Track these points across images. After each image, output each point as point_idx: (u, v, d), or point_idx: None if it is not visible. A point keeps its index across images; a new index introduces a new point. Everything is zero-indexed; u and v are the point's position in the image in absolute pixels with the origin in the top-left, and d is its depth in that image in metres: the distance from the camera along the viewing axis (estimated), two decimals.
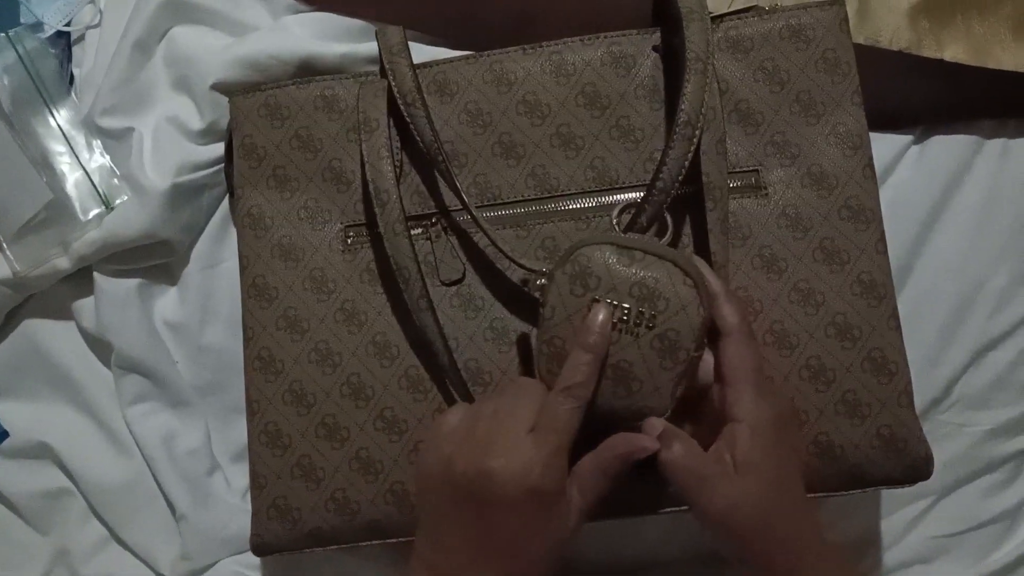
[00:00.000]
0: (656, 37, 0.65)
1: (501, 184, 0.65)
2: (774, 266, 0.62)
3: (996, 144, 0.71)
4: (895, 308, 0.62)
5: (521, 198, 0.64)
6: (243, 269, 0.67)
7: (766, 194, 0.63)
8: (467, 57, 0.66)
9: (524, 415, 0.52)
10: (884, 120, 0.70)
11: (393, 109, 0.63)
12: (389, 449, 0.63)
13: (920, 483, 0.64)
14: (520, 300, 0.64)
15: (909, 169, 0.71)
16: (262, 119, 0.67)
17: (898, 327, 0.62)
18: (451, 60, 0.66)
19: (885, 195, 0.70)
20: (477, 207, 0.64)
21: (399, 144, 0.65)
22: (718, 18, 0.65)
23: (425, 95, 0.63)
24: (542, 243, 0.64)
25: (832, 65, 0.64)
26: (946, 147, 0.71)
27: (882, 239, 0.63)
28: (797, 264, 0.62)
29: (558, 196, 0.64)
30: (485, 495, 0.51)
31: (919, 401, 0.65)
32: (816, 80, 0.64)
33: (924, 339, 0.71)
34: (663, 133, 0.64)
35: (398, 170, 0.65)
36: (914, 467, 0.62)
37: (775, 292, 0.62)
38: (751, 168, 0.64)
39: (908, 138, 0.71)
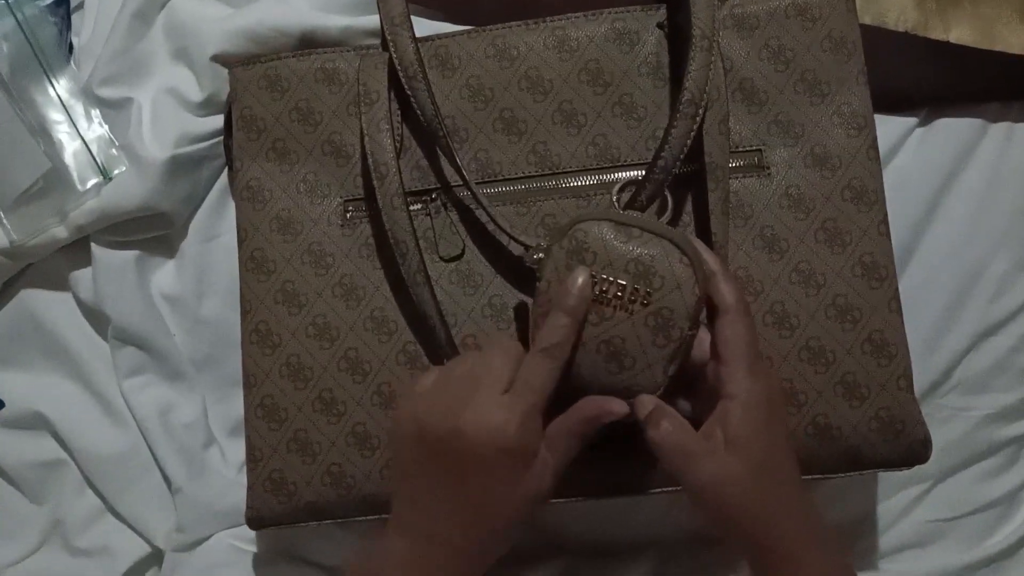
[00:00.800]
0: (661, 14, 0.65)
1: (502, 160, 0.64)
2: (775, 246, 0.62)
3: (1001, 128, 0.71)
4: (896, 290, 0.62)
5: (522, 175, 0.64)
6: (241, 241, 0.67)
7: (769, 174, 0.63)
8: (469, 31, 0.66)
9: (500, 374, 0.52)
10: (889, 102, 0.70)
11: (394, 82, 0.63)
12: (386, 424, 0.63)
13: (917, 467, 0.64)
14: (519, 277, 0.63)
15: (913, 151, 0.71)
16: (262, 91, 0.66)
17: (899, 309, 0.62)
18: (453, 34, 0.66)
19: (888, 177, 0.69)
20: (477, 183, 0.63)
21: (399, 118, 0.65)
22: None
23: (427, 69, 0.63)
24: (542, 220, 0.64)
25: (838, 44, 0.64)
26: (950, 130, 0.71)
27: (884, 221, 0.63)
28: (799, 245, 0.62)
29: (559, 173, 0.64)
30: (458, 454, 0.51)
31: (918, 384, 0.65)
32: (821, 59, 0.64)
33: (925, 323, 0.71)
34: (666, 111, 0.64)
35: (398, 144, 0.64)
36: (912, 450, 0.62)
37: (776, 273, 0.62)
38: (754, 148, 0.63)
39: (913, 120, 0.71)
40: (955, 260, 0.71)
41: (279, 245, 0.65)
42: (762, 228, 0.63)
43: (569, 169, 0.64)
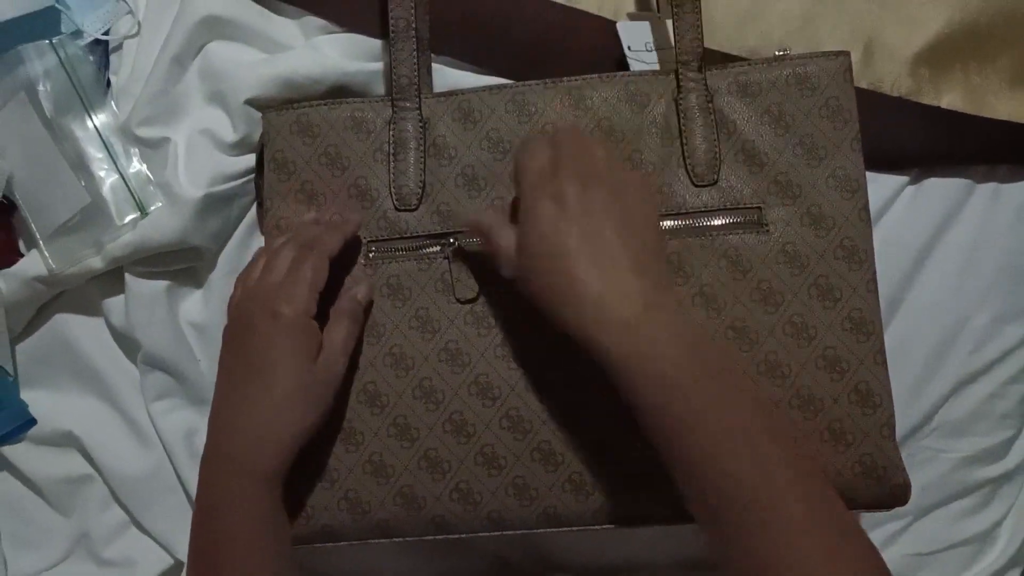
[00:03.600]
0: (671, 80, 0.69)
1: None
2: (771, 299, 0.66)
3: (987, 188, 0.75)
4: (882, 344, 0.66)
5: None
6: None
7: (767, 231, 0.67)
8: (491, 88, 0.70)
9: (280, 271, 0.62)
10: (882, 161, 0.73)
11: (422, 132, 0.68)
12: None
13: None
14: (530, 319, 0.67)
15: (903, 209, 0.75)
16: (294, 135, 0.70)
17: (884, 362, 0.66)
18: (476, 89, 0.70)
19: (879, 232, 0.74)
20: None
21: (422, 165, 0.69)
22: (731, 60, 0.69)
23: (451, 120, 0.68)
24: None
25: (835, 112, 0.67)
26: (939, 189, 0.75)
27: (873, 279, 0.66)
28: (793, 299, 0.66)
29: None
30: (249, 332, 0.61)
31: (902, 426, 0.69)
32: (819, 126, 0.67)
33: (909, 370, 0.75)
34: (673, 167, 0.68)
35: (421, 190, 0.68)
36: (892, 494, 0.66)
37: (770, 324, 0.66)
38: (754, 205, 0.67)
39: (904, 179, 0.74)
40: (940, 312, 0.75)
41: None
42: (759, 282, 0.66)
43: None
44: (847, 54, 0.68)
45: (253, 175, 0.75)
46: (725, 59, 0.72)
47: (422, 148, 0.69)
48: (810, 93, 0.68)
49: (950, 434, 0.76)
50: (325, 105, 0.71)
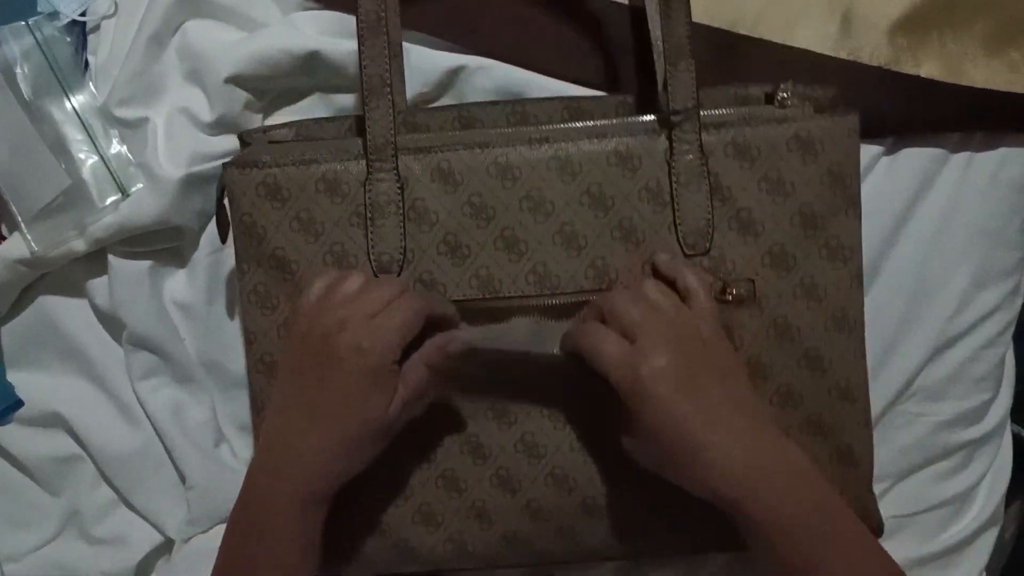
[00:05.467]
0: (663, 140, 0.65)
1: (503, 278, 0.66)
2: (759, 371, 0.65)
3: (961, 157, 0.75)
4: (868, 408, 0.68)
5: (521, 294, 0.66)
6: (249, 344, 0.69)
7: (759, 305, 0.65)
8: (471, 146, 0.65)
9: (376, 303, 0.59)
10: (860, 130, 0.74)
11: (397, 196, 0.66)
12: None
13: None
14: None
15: (880, 177, 0.75)
16: (260, 199, 0.66)
17: (868, 424, 0.68)
18: (454, 146, 0.65)
19: None
20: (480, 299, 0.66)
21: (402, 230, 0.66)
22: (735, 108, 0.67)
23: (430, 182, 0.65)
24: None
25: (836, 179, 0.65)
26: (915, 158, 0.75)
27: (861, 346, 0.67)
28: (782, 370, 0.66)
29: (558, 294, 0.66)
30: (327, 358, 0.58)
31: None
32: (820, 193, 0.64)
33: (887, 335, 0.76)
34: (664, 235, 0.65)
35: (403, 256, 0.66)
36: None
37: (759, 393, 0.65)
38: (747, 278, 0.65)
39: (880, 149, 0.75)
40: (917, 278, 0.76)
41: None
42: (749, 356, 0.65)
43: (567, 291, 0.65)
44: (856, 114, 0.65)
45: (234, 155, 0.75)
46: (709, 42, 0.72)
47: (401, 212, 0.65)
48: (812, 159, 0.64)
49: (928, 398, 0.77)
50: (293, 165, 0.66)
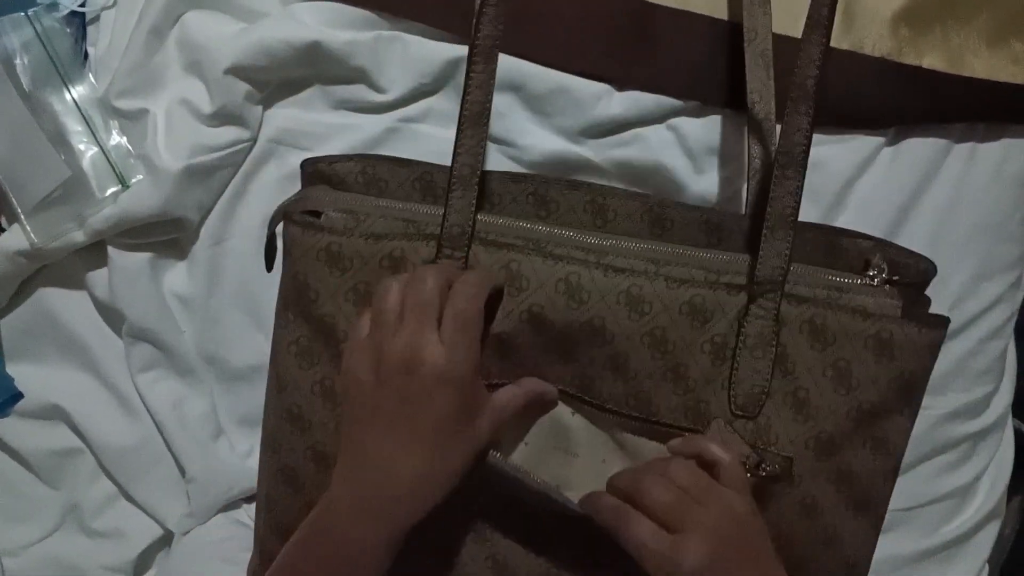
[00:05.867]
0: (741, 298, 0.61)
1: (547, 379, 0.64)
2: (775, 539, 0.61)
3: (964, 148, 0.75)
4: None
5: (565, 389, 0.64)
6: (279, 390, 0.66)
7: (792, 483, 0.62)
8: (546, 255, 0.62)
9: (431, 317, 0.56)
10: (862, 121, 0.74)
11: None
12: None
13: None
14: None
15: (882, 169, 0.75)
16: (320, 263, 0.62)
17: None
18: (526, 249, 0.62)
19: (858, 192, 0.75)
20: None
21: None
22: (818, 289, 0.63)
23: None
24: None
25: (906, 386, 0.62)
26: (918, 149, 0.75)
27: (878, 526, 0.65)
28: (799, 543, 0.64)
29: (595, 404, 0.64)
30: (416, 396, 0.55)
31: None
32: (885, 395, 0.62)
33: None
34: (716, 388, 0.62)
35: None
36: None
37: None
38: (786, 455, 0.62)
39: (881, 140, 0.75)
40: None
41: (319, 410, 0.64)
42: (768, 524, 0.61)
43: (607, 407, 0.63)
44: (945, 324, 0.62)
45: (235, 147, 0.75)
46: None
47: None
48: (887, 362, 0.61)
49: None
50: (361, 238, 0.62)
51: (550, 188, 0.65)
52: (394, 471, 0.56)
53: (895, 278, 0.63)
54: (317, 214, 0.63)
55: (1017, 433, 0.86)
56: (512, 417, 0.60)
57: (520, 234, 0.64)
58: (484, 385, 0.58)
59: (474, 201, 0.61)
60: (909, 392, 0.62)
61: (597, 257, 0.62)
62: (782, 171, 0.60)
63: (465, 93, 0.59)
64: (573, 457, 0.66)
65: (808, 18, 0.59)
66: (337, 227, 0.63)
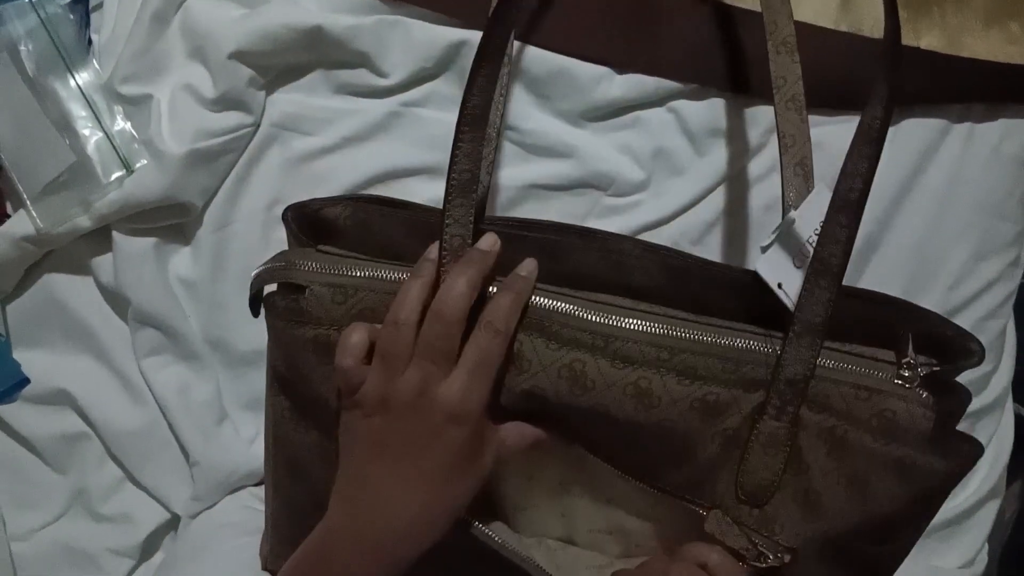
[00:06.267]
0: (758, 396, 0.57)
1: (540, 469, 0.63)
2: None
3: (962, 128, 0.76)
4: None
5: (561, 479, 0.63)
6: (275, 443, 0.65)
7: (796, 566, 0.59)
8: (549, 337, 0.57)
9: (445, 356, 0.54)
10: (861, 102, 0.74)
11: None
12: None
13: None
14: None
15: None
16: (308, 353, 0.59)
17: None
18: (528, 327, 0.57)
19: None
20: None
21: None
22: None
23: None
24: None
25: (924, 503, 0.58)
26: (916, 130, 0.76)
27: None
28: None
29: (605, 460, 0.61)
30: (424, 434, 0.54)
31: None
32: (900, 510, 0.57)
33: None
34: (724, 476, 0.58)
35: None
36: None
37: None
38: (790, 547, 0.58)
39: None
40: (918, 251, 0.76)
41: (318, 467, 0.62)
42: None
43: (612, 465, 0.60)
44: (974, 456, 0.57)
45: (238, 132, 0.75)
46: None
47: None
48: (906, 484, 0.56)
49: None
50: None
51: (560, 241, 0.60)
52: (396, 508, 0.55)
53: (936, 369, 0.56)
54: (302, 289, 0.58)
55: (1017, 417, 0.86)
56: (516, 454, 0.59)
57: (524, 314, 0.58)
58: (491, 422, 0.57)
59: (473, 209, 0.56)
60: (929, 505, 0.59)
61: (605, 342, 0.56)
62: (815, 279, 0.54)
63: (467, 95, 0.54)
64: (577, 494, 0.64)
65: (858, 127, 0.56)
66: (324, 312, 0.58)
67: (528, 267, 0.57)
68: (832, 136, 0.74)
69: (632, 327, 0.56)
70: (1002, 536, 1.13)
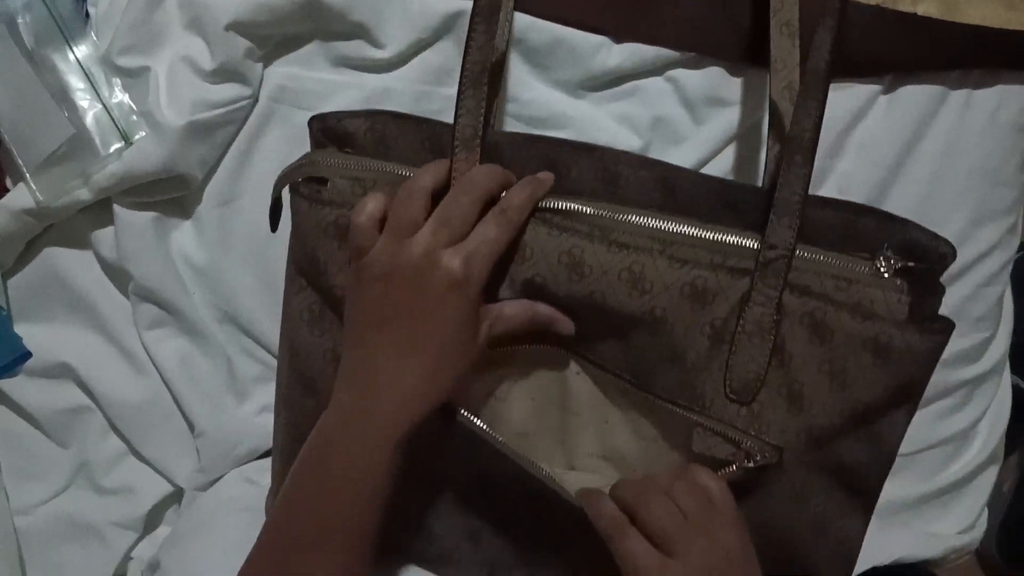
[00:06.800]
0: (744, 283, 0.59)
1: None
2: (766, 528, 0.62)
3: (960, 95, 0.75)
4: (856, 552, 0.67)
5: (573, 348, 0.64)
6: (291, 357, 0.67)
7: (780, 471, 0.61)
8: (550, 225, 0.60)
9: (458, 228, 0.57)
10: (858, 69, 0.74)
11: None
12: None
13: None
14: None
15: (878, 117, 0.75)
16: (328, 238, 0.62)
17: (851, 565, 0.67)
18: (534, 222, 0.60)
19: (854, 140, 0.75)
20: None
21: None
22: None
23: None
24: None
25: (902, 390, 0.60)
26: (913, 97, 0.75)
27: (868, 511, 0.65)
28: (789, 531, 0.64)
29: (595, 363, 0.64)
30: (425, 297, 0.56)
31: None
32: (879, 398, 0.60)
33: None
34: (713, 371, 0.61)
35: None
36: None
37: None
38: (776, 445, 0.61)
39: (878, 87, 0.75)
40: (915, 217, 0.74)
41: (329, 377, 0.62)
42: (760, 516, 0.62)
43: (609, 367, 0.63)
44: (950, 330, 0.60)
45: (236, 104, 0.75)
46: None
47: None
48: (883, 366, 0.59)
49: None
50: None
51: (561, 153, 0.64)
52: (397, 376, 0.57)
53: (910, 264, 0.60)
54: (324, 181, 0.63)
55: (1016, 389, 0.87)
56: (514, 329, 0.60)
57: None
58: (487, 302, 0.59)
59: (477, 162, 0.60)
60: (908, 394, 0.61)
61: (603, 232, 0.60)
62: (791, 157, 0.58)
63: (466, 54, 0.58)
64: (576, 416, 0.66)
65: None
66: (344, 198, 0.62)
67: (546, 175, 0.62)
68: (829, 104, 0.71)
69: (628, 219, 0.60)
70: (1001, 508, 1.13)
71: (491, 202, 0.59)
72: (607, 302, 0.60)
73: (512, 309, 0.60)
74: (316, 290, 0.64)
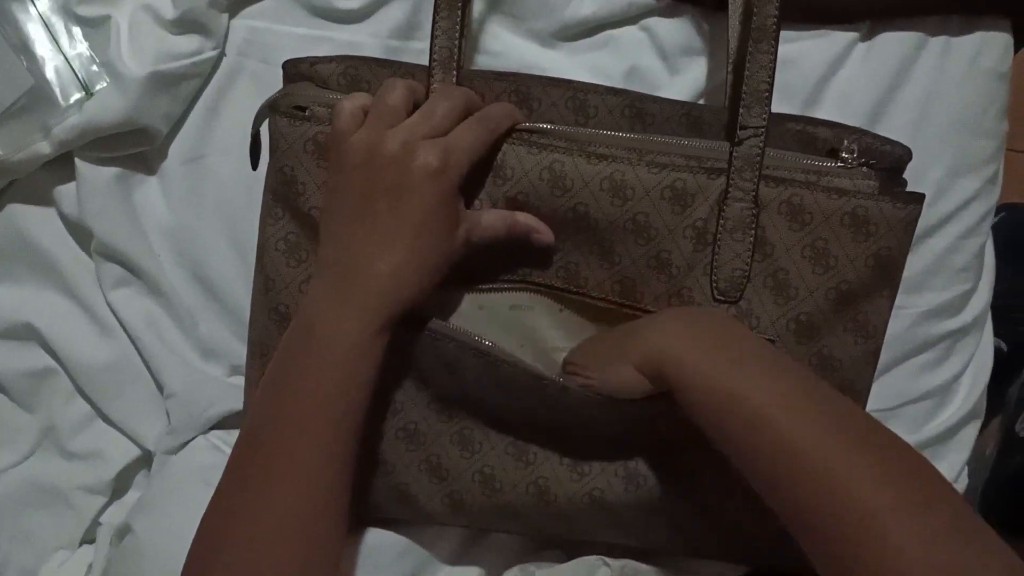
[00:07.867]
0: (721, 182, 0.63)
1: (531, 269, 0.65)
2: None
3: (939, 42, 0.74)
4: None
5: (547, 283, 0.65)
6: (265, 290, 0.67)
7: None
8: (529, 144, 0.63)
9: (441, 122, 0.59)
10: (835, 15, 0.73)
11: None
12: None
13: None
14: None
15: (856, 65, 0.74)
16: (307, 155, 0.64)
17: None
18: (512, 140, 0.63)
19: (832, 89, 0.74)
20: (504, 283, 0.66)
21: None
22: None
23: (479, 170, 0.62)
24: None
25: (882, 264, 0.63)
26: (891, 44, 0.74)
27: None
28: None
29: (582, 293, 0.65)
30: (400, 186, 0.57)
31: None
32: (862, 274, 0.63)
33: None
34: (698, 275, 0.64)
35: None
36: None
37: None
38: (768, 338, 0.64)
39: (856, 35, 0.74)
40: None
41: None
42: None
43: (591, 294, 0.65)
44: (920, 200, 0.64)
45: (200, 56, 0.73)
46: None
47: None
48: (863, 239, 0.63)
49: (908, 289, 0.76)
50: None
51: (532, 86, 0.66)
52: (372, 264, 0.57)
53: (872, 162, 0.64)
54: (303, 109, 0.64)
55: (998, 351, 0.86)
56: (491, 238, 0.61)
57: None
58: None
59: (459, 25, 0.62)
60: (887, 271, 0.64)
61: (580, 146, 0.63)
62: (755, 46, 0.61)
63: None
64: (560, 352, 0.66)
65: None
66: (324, 118, 0.63)
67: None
68: (806, 52, 0.74)
69: (604, 135, 0.64)
70: (983, 472, 1.13)
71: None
72: (590, 213, 0.62)
73: (491, 217, 0.62)
74: (293, 217, 0.65)
